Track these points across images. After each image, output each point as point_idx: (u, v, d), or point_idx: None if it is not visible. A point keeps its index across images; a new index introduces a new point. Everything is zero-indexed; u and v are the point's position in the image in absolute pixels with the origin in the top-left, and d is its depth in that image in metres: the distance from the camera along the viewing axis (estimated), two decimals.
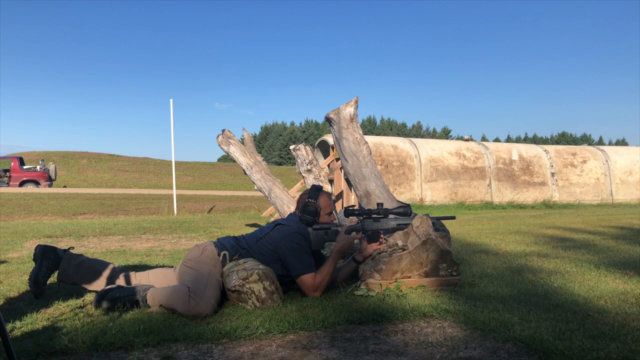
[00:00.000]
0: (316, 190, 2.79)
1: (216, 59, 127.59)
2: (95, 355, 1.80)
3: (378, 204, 2.79)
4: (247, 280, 2.42)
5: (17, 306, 2.48)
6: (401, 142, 13.57)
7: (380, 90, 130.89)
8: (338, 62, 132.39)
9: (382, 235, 2.73)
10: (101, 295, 2.43)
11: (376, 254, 2.72)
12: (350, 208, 2.76)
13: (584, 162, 14.75)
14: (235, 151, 5.95)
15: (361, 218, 2.75)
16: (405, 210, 2.78)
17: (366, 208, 3.00)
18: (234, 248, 2.66)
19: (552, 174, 14.38)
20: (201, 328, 2.05)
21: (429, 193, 13.02)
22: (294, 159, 5.65)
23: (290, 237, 2.64)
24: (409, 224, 2.75)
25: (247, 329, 2.04)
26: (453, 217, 3.08)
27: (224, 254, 2.60)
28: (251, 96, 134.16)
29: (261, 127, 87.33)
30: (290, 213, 2.89)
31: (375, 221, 2.75)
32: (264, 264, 2.60)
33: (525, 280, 2.97)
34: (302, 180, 5.94)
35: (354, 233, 2.71)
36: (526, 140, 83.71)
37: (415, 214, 2.82)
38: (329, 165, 11.07)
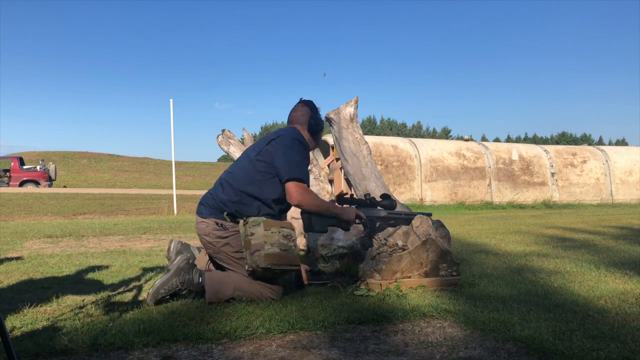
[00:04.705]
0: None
1: (216, 59, 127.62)
2: (95, 355, 1.80)
3: (365, 195, 2.88)
4: (254, 269, 2.48)
5: (17, 306, 2.48)
6: (401, 142, 13.57)
7: (380, 90, 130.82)
8: (338, 62, 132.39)
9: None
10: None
11: (376, 254, 2.72)
12: (344, 196, 2.85)
13: (584, 162, 14.75)
14: (235, 151, 5.95)
15: (354, 207, 2.81)
16: (391, 204, 2.87)
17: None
18: (233, 205, 2.61)
19: (552, 174, 14.39)
20: (201, 328, 2.05)
21: (429, 193, 13.02)
22: None
23: (288, 139, 2.64)
24: (399, 214, 2.87)
25: (247, 329, 2.04)
26: (429, 215, 3.11)
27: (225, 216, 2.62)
28: (251, 96, 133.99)
29: (261, 127, 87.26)
30: None
31: (368, 209, 2.83)
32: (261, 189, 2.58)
33: (525, 280, 2.97)
34: None
35: (355, 209, 2.76)
36: (526, 140, 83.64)
37: (417, 214, 2.84)
38: (329, 165, 11.07)
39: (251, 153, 2.70)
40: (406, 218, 2.90)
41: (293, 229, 2.54)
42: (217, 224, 2.60)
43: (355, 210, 2.74)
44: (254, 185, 2.60)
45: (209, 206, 2.65)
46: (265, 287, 2.54)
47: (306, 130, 2.78)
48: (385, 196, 2.92)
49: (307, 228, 2.64)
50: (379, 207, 2.87)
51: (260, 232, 2.44)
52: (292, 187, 2.54)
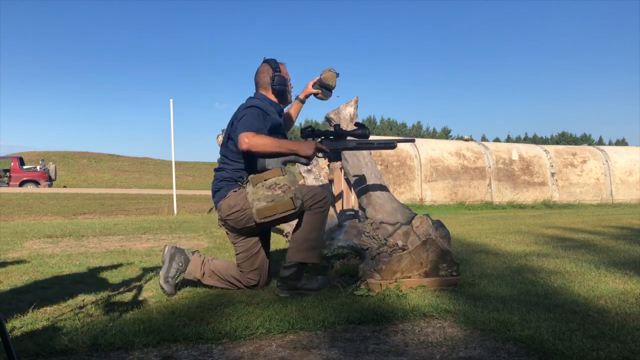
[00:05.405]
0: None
1: (216, 59, 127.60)
2: (95, 355, 1.80)
3: (335, 126, 2.81)
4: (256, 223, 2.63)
5: (17, 306, 2.48)
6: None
7: (380, 90, 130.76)
8: (338, 61, 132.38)
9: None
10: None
11: (376, 254, 2.72)
12: (308, 129, 2.73)
13: (584, 162, 14.75)
14: None
15: (320, 139, 2.74)
16: (363, 132, 2.77)
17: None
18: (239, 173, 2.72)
19: (552, 174, 14.38)
20: (201, 328, 2.05)
21: (429, 193, 13.02)
22: None
23: (242, 111, 2.67)
24: (371, 143, 2.79)
25: (247, 329, 2.04)
26: (394, 146, 2.96)
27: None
28: None
29: None
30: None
31: (334, 141, 2.75)
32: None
33: (525, 280, 2.97)
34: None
35: (314, 142, 2.68)
36: (526, 140, 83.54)
37: (393, 141, 2.84)
38: (328, 165, 11.06)
39: (226, 139, 2.79)
40: (378, 147, 2.81)
41: (280, 174, 2.53)
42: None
43: (314, 144, 2.65)
44: (243, 163, 2.71)
45: (225, 188, 2.73)
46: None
47: (270, 92, 2.81)
48: (359, 124, 2.80)
49: (261, 168, 2.62)
50: (349, 138, 2.76)
51: (250, 190, 2.56)
52: (240, 136, 2.56)
